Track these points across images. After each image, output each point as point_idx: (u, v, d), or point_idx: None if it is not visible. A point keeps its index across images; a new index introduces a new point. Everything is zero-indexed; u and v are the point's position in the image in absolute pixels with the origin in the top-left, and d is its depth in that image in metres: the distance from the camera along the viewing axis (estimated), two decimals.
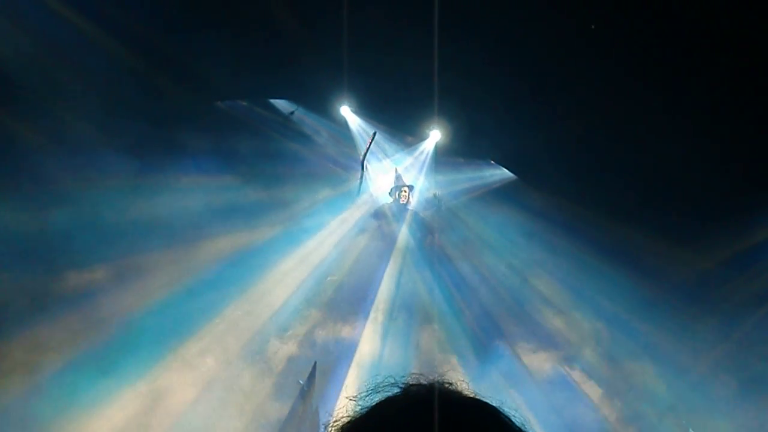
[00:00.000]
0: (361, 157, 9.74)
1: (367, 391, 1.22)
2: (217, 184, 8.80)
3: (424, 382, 1.22)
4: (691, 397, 8.86)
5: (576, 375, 9.48)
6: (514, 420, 1.19)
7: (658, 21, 6.24)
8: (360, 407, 1.19)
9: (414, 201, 10.23)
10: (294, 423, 8.75)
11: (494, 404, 1.21)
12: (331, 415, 1.21)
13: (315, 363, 8.89)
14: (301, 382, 8.81)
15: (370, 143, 9.60)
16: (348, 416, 1.19)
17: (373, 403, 1.19)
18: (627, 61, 6.89)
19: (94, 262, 7.98)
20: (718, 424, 8.52)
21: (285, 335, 9.49)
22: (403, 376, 1.25)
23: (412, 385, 1.22)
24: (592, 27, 6.92)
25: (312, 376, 8.82)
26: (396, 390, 1.21)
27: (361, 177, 9.87)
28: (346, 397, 1.23)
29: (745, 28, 6.03)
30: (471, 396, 1.21)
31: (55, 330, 7.73)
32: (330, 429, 1.19)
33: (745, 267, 8.17)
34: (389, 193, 10.21)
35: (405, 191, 10.13)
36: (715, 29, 6.10)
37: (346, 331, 9.77)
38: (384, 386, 1.22)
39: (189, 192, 8.60)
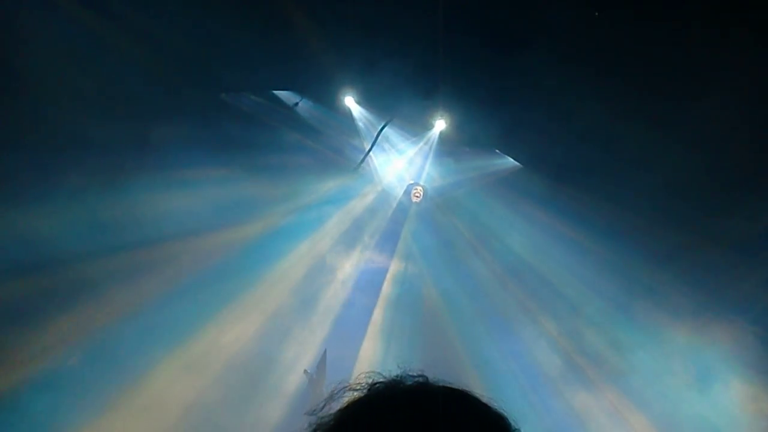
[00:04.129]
0: (370, 143, 9.69)
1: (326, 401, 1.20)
2: (222, 177, 8.81)
3: (386, 378, 1.19)
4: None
5: (588, 368, 9.50)
6: (491, 405, 1.17)
7: (673, 8, 6.19)
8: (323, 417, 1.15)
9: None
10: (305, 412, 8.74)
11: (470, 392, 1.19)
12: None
13: (325, 351, 8.88)
14: (308, 371, 8.83)
15: (383, 128, 9.54)
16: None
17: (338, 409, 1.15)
18: (632, 49, 6.84)
19: (97, 258, 7.99)
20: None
21: (291, 327, 9.53)
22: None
23: (376, 383, 1.19)
24: (596, 14, 6.87)
25: (322, 364, 8.81)
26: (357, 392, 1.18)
27: (363, 159, 9.79)
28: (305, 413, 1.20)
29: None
30: (442, 385, 1.19)
31: (60, 325, 7.76)
32: None
33: (756, 252, 8.10)
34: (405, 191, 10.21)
35: (418, 190, 10.10)
36: (732, 18, 6.04)
37: (351, 324, 9.81)
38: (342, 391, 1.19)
39: (194, 185, 8.61)
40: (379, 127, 9.50)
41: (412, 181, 10.16)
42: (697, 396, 8.69)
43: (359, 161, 9.74)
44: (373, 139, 9.56)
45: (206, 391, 8.66)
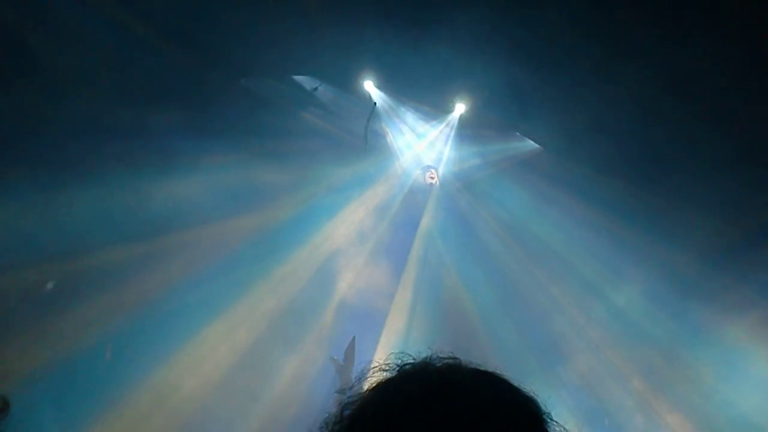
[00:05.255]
0: (390, 127, 9.65)
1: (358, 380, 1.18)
2: (241, 163, 8.81)
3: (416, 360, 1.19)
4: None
5: (616, 359, 9.40)
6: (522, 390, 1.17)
7: None
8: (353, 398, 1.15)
9: (439, 175, 10.18)
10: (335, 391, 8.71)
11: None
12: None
13: (353, 338, 8.80)
14: (335, 357, 8.76)
15: (371, 114, 9.50)
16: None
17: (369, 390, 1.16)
18: (658, 29, 6.68)
19: (112, 245, 8.03)
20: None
21: (310, 312, 9.54)
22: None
23: (405, 364, 1.19)
24: None
25: (351, 350, 8.70)
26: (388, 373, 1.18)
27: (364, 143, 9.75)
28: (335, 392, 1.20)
29: None
30: (473, 367, 1.19)
31: (80, 311, 7.82)
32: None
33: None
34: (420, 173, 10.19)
35: (432, 173, 10.09)
36: None
37: (371, 309, 9.81)
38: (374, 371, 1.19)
39: (215, 171, 8.63)
40: (399, 110, 9.44)
41: (426, 164, 10.13)
42: (739, 396, 8.45)
43: (364, 139, 9.66)
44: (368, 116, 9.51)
45: (225, 375, 8.70)
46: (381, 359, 1.19)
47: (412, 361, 1.18)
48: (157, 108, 8.14)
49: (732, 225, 8.15)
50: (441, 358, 1.18)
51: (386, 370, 1.17)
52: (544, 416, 1.15)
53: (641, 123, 7.70)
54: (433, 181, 10.10)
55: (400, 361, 1.18)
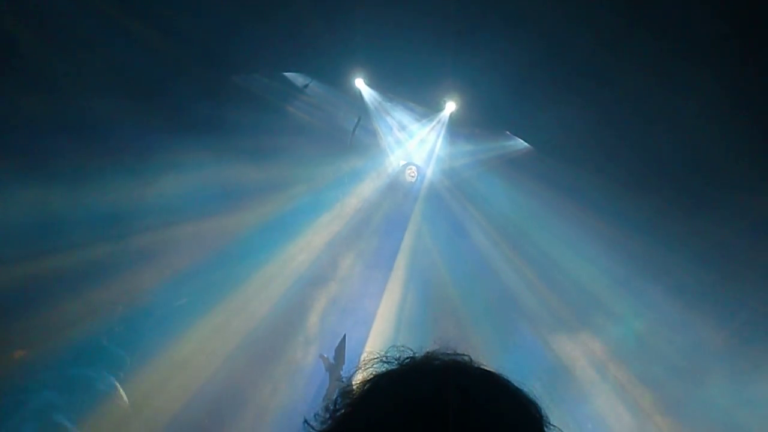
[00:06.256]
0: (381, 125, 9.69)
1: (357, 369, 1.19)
2: (234, 159, 8.77)
3: (418, 354, 1.19)
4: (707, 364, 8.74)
5: (597, 350, 9.42)
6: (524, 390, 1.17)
7: None
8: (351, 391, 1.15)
9: (429, 173, 10.18)
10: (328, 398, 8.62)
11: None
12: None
13: (344, 336, 8.78)
14: (325, 355, 8.75)
15: (356, 127, 9.53)
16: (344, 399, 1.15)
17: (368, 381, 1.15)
18: (645, 29, 6.71)
19: (100, 241, 7.95)
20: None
21: (300, 310, 9.52)
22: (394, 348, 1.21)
23: (407, 358, 1.19)
24: None
25: (341, 348, 8.68)
26: (388, 365, 1.18)
27: (353, 132, 9.76)
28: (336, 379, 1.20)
29: None
30: (478, 366, 1.19)
31: (61, 311, 7.73)
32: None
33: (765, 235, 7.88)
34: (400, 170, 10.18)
35: (412, 170, 10.10)
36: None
37: (361, 310, 9.79)
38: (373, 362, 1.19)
39: (207, 167, 8.57)
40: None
41: (404, 162, 10.16)
42: (726, 398, 8.49)
43: (351, 134, 9.69)
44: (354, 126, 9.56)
45: (214, 374, 8.65)
46: (375, 354, 1.19)
47: (412, 355, 1.18)
48: (140, 105, 8.07)
49: (737, 230, 8.09)
50: (446, 354, 1.18)
51: (386, 362, 1.17)
52: (544, 419, 1.16)
53: (634, 122, 7.73)
54: (413, 179, 10.11)
55: (398, 355, 1.18)
